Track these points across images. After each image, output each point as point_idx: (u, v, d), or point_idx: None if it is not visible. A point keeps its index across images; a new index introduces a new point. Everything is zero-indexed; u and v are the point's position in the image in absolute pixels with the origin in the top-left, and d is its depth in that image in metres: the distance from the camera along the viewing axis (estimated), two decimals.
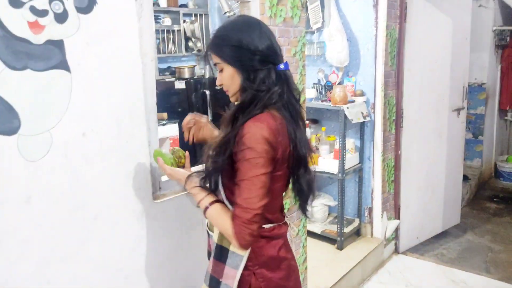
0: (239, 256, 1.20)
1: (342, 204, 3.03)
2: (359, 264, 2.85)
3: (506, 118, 5.37)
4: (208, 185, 1.22)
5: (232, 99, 1.22)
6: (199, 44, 3.89)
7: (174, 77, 3.63)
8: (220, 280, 1.23)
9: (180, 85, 3.44)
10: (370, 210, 3.16)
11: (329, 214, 3.34)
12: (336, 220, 3.21)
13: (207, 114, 3.39)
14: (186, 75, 3.52)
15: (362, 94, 3.01)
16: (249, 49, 1.14)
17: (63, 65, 1.20)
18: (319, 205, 3.21)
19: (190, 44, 3.89)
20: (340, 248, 3.03)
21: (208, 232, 1.33)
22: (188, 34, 3.87)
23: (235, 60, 1.15)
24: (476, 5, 4.60)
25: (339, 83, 3.04)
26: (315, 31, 3.16)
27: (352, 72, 3.06)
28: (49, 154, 1.20)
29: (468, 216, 4.14)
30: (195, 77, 3.59)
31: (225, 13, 3.44)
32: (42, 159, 1.19)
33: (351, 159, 3.03)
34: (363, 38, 2.97)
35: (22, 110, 1.13)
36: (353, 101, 2.93)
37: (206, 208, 1.19)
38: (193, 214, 1.65)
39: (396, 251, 3.31)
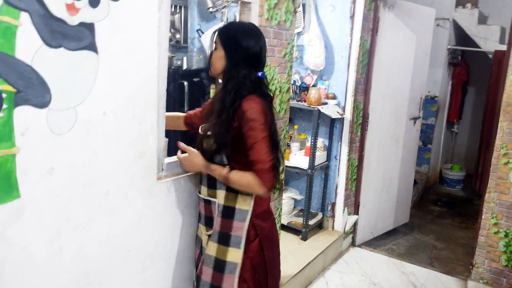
0: (244, 211, 1.54)
1: (309, 198, 3.24)
2: (321, 254, 3.08)
3: (452, 129, 5.86)
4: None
5: (211, 73, 1.59)
6: (178, 36, 3.94)
7: None
8: (230, 233, 1.53)
9: None
10: (333, 205, 3.40)
11: (294, 207, 3.55)
12: (301, 213, 3.42)
13: (184, 104, 3.46)
14: None
15: (334, 97, 3.23)
16: (242, 46, 1.48)
17: (92, 47, 1.28)
18: (286, 198, 3.40)
19: (169, 34, 3.94)
20: (304, 239, 3.24)
21: (205, 199, 1.60)
22: None
23: (228, 48, 1.49)
24: (435, 24, 5.00)
25: (313, 86, 3.25)
26: (295, 35, 3.34)
27: (326, 76, 3.28)
28: (73, 129, 1.27)
29: (415, 216, 4.51)
30: (173, 67, 3.65)
31: (208, 8, 3.53)
32: (67, 133, 1.26)
33: (320, 157, 3.25)
34: (338, 46, 3.19)
35: (54, 86, 1.20)
36: (326, 103, 3.14)
37: (228, 175, 1.49)
38: (189, 195, 1.77)
39: (353, 244, 3.58)
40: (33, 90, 1.16)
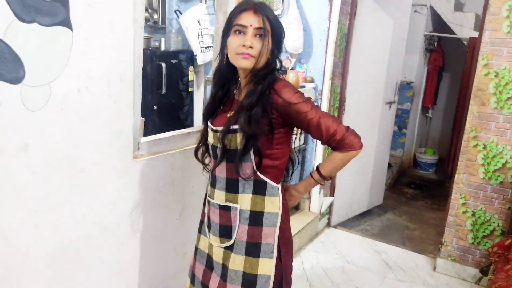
0: (274, 214, 1.36)
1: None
2: (297, 234, 3.15)
3: (427, 115, 6.00)
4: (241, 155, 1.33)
5: (246, 62, 1.30)
6: (155, 16, 3.89)
7: None
8: (260, 242, 1.36)
9: None
10: None
11: None
12: None
13: (162, 86, 3.44)
14: None
15: (312, 81, 3.27)
16: (283, 38, 1.37)
17: (67, 23, 1.27)
18: None
19: (146, 14, 3.88)
20: None
21: (222, 206, 1.40)
22: (145, 4, 3.85)
23: (278, 41, 1.34)
24: (412, 10, 5.07)
25: (291, 69, 3.27)
26: None
27: (304, 60, 3.30)
28: (47, 106, 1.27)
29: (389, 198, 4.65)
30: (150, 48, 3.61)
31: None
32: (41, 110, 1.25)
33: (296, 141, 3.29)
34: (316, 30, 3.21)
35: (27, 62, 1.19)
36: (303, 86, 3.17)
37: (325, 170, 1.42)
38: (166, 175, 1.78)
39: (329, 224, 3.67)
40: (5, 65, 1.15)
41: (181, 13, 3.67)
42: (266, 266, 1.36)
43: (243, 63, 1.31)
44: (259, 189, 1.36)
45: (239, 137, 1.31)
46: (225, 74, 1.41)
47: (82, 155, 1.41)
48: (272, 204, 1.37)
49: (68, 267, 1.44)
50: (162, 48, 3.66)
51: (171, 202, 1.83)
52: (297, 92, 1.32)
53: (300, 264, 3.03)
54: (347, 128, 1.35)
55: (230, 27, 1.33)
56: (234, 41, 1.31)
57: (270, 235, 1.36)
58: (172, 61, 3.57)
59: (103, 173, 1.50)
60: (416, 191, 5.07)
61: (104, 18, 1.38)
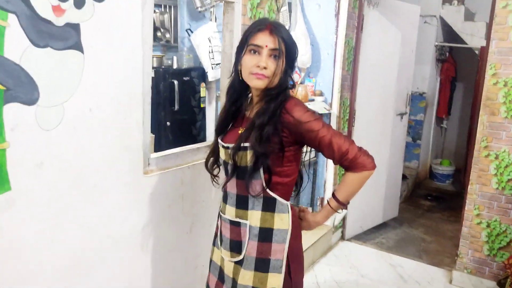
0: (284, 231, 1.38)
1: (297, 193, 3.31)
2: (310, 248, 3.15)
3: (442, 125, 5.95)
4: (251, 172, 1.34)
5: (259, 83, 1.33)
6: (167, 35, 4.00)
7: None
8: (269, 257, 1.37)
9: None
10: (322, 200, 3.47)
11: None
12: None
13: (174, 102, 3.52)
14: (154, 64, 3.63)
15: (321, 94, 3.30)
16: (296, 57, 1.39)
17: (78, 46, 1.35)
18: None
19: (159, 34, 3.99)
20: None
21: (232, 221, 1.43)
22: (157, 24, 3.97)
23: (291, 61, 1.37)
24: (422, 21, 5.09)
25: (300, 83, 3.32)
26: None
27: (313, 74, 3.35)
28: (60, 125, 1.34)
29: (405, 211, 4.60)
30: (163, 66, 3.71)
31: (197, 8, 3.59)
32: (55, 129, 1.32)
33: (307, 153, 3.31)
34: (324, 44, 3.26)
35: (42, 84, 1.26)
36: (313, 100, 3.21)
37: (341, 195, 1.41)
38: (175, 189, 1.83)
39: (342, 238, 3.66)
40: (22, 88, 1.22)
41: (192, 32, 3.77)
42: (275, 280, 1.38)
43: (257, 84, 1.34)
44: (269, 206, 1.39)
45: (249, 154, 1.33)
46: (238, 90, 1.45)
47: (94, 171, 1.47)
48: (282, 221, 1.38)
49: (80, 280, 1.49)
50: (175, 66, 3.76)
51: (180, 216, 1.87)
52: (308, 111, 1.34)
53: (313, 278, 3.02)
54: (360, 148, 1.36)
55: (245, 45, 1.35)
56: (248, 60, 1.33)
57: (279, 251, 1.38)
58: (184, 78, 3.66)
59: (114, 188, 1.55)
60: (433, 203, 5.00)
61: (114, 41, 1.45)
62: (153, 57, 3.63)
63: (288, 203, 1.41)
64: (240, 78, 1.39)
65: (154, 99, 3.56)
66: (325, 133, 1.32)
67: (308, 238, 3.24)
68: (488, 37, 2.72)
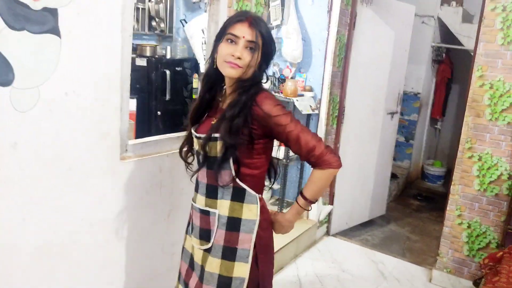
0: (251, 221, 1.41)
1: (284, 186, 3.34)
2: (293, 242, 3.18)
3: (436, 126, 5.96)
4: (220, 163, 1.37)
5: (232, 71, 1.36)
6: (162, 25, 4.01)
7: (135, 53, 3.74)
8: (236, 247, 1.40)
9: (141, 62, 3.56)
10: None
11: (271, 196, 3.65)
12: (277, 201, 3.52)
13: (166, 92, 3.55)
14: (148, 53, 3.65)
15: (311, 89, 3.32)
16: (273, 53, 1.43)
17: (55, 31, 1.37)
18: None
19: (154, 23, 4.01)
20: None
21: (202, 210, 1.46)
22: (153, 13, 3.98)
23: (267, 56, 1.40)
24: (420, 21, 5.10)
25: (291, 78, 3.34)
26: (274, 28, 3.43)
27: (304, 69, 3.37)
28: (36, 107, 1.36)
29: (394, 209, 4.63)
30: (156, 56, 3.73)
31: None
32: (30, 111, 1.35)
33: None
34: (316, 40, 3.28)
35: (17, 66, 1.29)
36: (302, 95, 3.23)
37: (309, 194, 1.42)
38: (154, 176, 1.86)
39: (328, 233, 3.69)
40: None
41: (186, 22, 3.78)
42: (241, 270, 1.41)
43: (229, 72, 1.36)
44: (238, 196, 1.42)
45: (219, 145, 1.36)
46: (213, 78, 1.47)
47: (69, 154, 1.49)
48: (250, 212, 1.41)
49: (54, 262, 1.52)
50: (168, 56, 3.78)
51: (158, 202, 1.90)
52: (278, 105, 1.36)
53: (295, 271, 3.05)
54: (327, 146, 1.39)
55: (223, 34, 1.38)
56: (224, 49, 1.36)
57: (246, 241, 1.41)
58: (176, 68, 3.68)
59: (90, 172, 1.58)
60: (422, 203, 5.03)
61: (93, 27, 1.48)
62: (146, 47, 3.67)
63: (258, 195, 1.44)
64: (215, 66, 1.41)
65: (145, 88, 3.62)
66: (293, 128, 1.35)
67: (291, 232, 3.26)
68: (476, 39, 2.73)
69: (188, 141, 1.56)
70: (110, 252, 1.74)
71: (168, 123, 3.65)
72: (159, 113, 3.58)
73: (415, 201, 5.09)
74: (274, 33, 3.49)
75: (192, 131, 1.49)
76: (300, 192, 1.46)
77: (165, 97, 3.58)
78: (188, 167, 1.60)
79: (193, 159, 1.59)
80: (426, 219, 4.52)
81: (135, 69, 3.64)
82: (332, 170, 1.37)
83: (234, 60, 1.34)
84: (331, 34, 3.17)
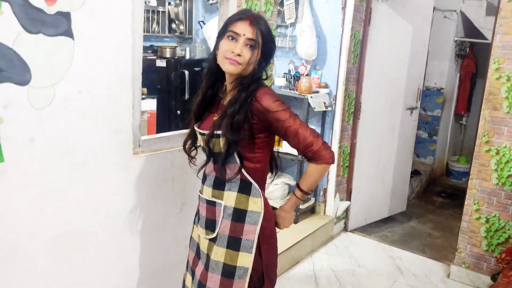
0: (257, 213, 1.47)
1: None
2: (309, 237, 3.21)
3: (461, 122, 5.84)
4: (224, 158, 1.43)
5: (231, 68, 1.41)
6: (181, 27, 4.13)
7: (156, 55, 3.86)
8: (241, 237, 1.46)
9: (161, 63, 3.68)
10: (325, 191, 3.53)
11: (288, 192, 3.69)
12: None
13: (185, 92, 3.65)
14: (168, 54, 3.76)
15: (326, 86, 3.35)
16: (273, 52, 1.48)
17: (69, 33, 1.47)
18: (280, 183, 3.55)
19: (173, 26, 4.12)
20: (295, 222, 3.38)
21: (209, 201, 1.52)
22: (172, 16, 4.10)
23: (267, 54, 1.45)
24: (441, 16, 5.01)
25: (306, 75, 3.37)
26: (289, 26, 3.47)
27: (319, 66, 3.39)
28: (51, 105, 1.46)
29: (416, 206, 4.58)
30: (176, 57, 3.83)
31: (208, 0, 3.70)
32: (46, 108, 1.45)
33: None
34: (330, 36, 3.30)
35: (33, 67, 1.39)
36: (317, 92, 3.26)
37: (304, 186, 1.50)
38: (166, 170, 1.94)
39: (345, 229, 3.70)
40: (14, 69, 1.35)
41: (204, 24, 3.88)
42: (245, 260, 1.46)
43: (228, 68, 1.41)
44: (245, 188, 1.48)
45: (222, 141, 1.41)
46: (215, 74, 1.52)
47: (84, 149, 1.59)
48: (255, 204, 1.47)
49: (70, 249, 1.63)
50: (187, 57, 3.89)
51: (171, 196, 1.99)
52: (278, 100, 1.41)
53: (310, 265, 3.09)
54: (324, 142, 1.44)
55: (225, 31, 1.43)
56: (225, 45, 1.41)
57: (251, 232, 1.46)
58: (195, 68, 3.77)
59: (104, 166, 1.68)
60: (446, 200, 4.94)
61: (104, 29, 1.57)
62: (166, 48, 3.79)
63: (259, 190, 1.49)
64: (217, 63, 1.47)
65: (165, 88, 3.73)
66: (292, 123, 1.40)
67: (308, 227, 3.31)
68: (493, 32, 2.69)
69: (191, 136, 1.63)
70: (124, 242, 1.83)
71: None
72: (178, 112, 3.69)
73: (439, 198, 5.00)
74: (289, 31, 3.54)
75: (196, 128, 1.56)
76: (297, 184, 1.52)
77: (184, 96, 3.68)
78: (191, 161, 1.67)
79: (196, 153, 1.65)
80: (449, 216, 4.44)
81: (155, 70, 3.78)
82: (326, 165, 1.45)
83: (234, 57, 1.39)
84: (346, 30, 3.19)
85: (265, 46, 1.43)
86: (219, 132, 1.42)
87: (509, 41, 2.59)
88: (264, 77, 1.49)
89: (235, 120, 1.38)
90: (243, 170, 1.46)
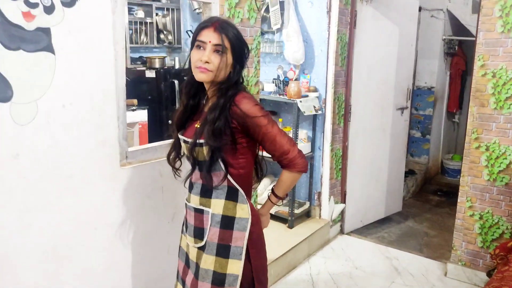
0: (244, 220, 1.48)
1: (294, 188, 3.38)
2: (306, 240, 3.21)
3: (454, 120, 5.86)
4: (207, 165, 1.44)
5: (203, 76, 1.41)
6: (170, 37, 4.15)
7: (145, 66, 3.88)
8: (230, 244, 1.47)
9: (150, 74, 3.70)
10: (319, 194, 3.53)
11: None
12: (288, 202, 3.56)
13: (175, 102, 3.66)
14: (157, 65, 3.78)
15: (315, 90, 3.36)
16: (246, 54, 1.48)
17: (49, 48, 1.48)
18: None
19: (162, 36, 4.15)
20: (291, 227, 3.38)
21: (196, 209, 1.52)
22: (160, 27, 4.13)
23: (238, 57, 1.44)
24: (429, 15, 5.05)
25: (295, 79, 3.38)
26: (275, 31, 3.50)
27: (307, 70, 3.41)
28: (34, 120, 1.47)
29: (412, 206, 4.58)
30: (165, 67, 3.86)
31: (195, 9, 3.72)
32: (29, 124, 1.45)
33: (304, 148, 3.38)
34: (317, 40, 3.32)
35: (15, 83, 1.40)
36: (307, 96, 3.28)
37: (279, 191, 1.55)
38: (154, 181, 1.94)
39: (341, 231, 3.70)
40: None
41: (192, 32, 3.89)
42: (235, 267, 1.47)
43: (200, 77, 1.42)
44: (232, 195, 1.48)
45: (205, 150, 1.42)
46: (196, 85, 1.53)
47: (70, 162, 1.59)
48: (243, 211, 1.48)
49: (60, 264, 1.62)
50: (177, 67, 3.90)
51: (161, 206, 1.99)
52: (257, 105, 1.42)
53: (307, 270, 3.08)
54: (299, 151, 1.47)
55: (194, 42, 1.46)
56: (194, 55, 1.42)
57: (240, 239, 1.47)
58: (185, 78, 3.76)
59: (91, 178, 1.68)
60: (442, 199, 4.94)
61: (85, 42, 1.58)
62: (155, 59, 3.80)
63: (245, 196, 1.50)
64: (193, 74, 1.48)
65: (156, 99, 3.74)
66: (270, 130, 1.42)
67: (303, 231, 3.31)
68: (476, 29, 2.72)
69: (175, 147, 1.63)
70: (115, 254, 1.82)
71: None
72: (170, 122, 3.69)
73: (435, 196, 5.00)
74: (276, 37, 3.56)
75: (180, 136, 1.56)
76: (272, 190, 1.57)
77: (175, 106, 3.69)
78: (176, 172, 1.66)
79: (181, 164, 1.65)
80: (446, 214, 4.44)
81: (145, 81, 3.80)
82: (299, 173, 1.49)
83: (203, 65, 1.39)
84: (332, 34, 3.21)
85: (235, 50, 1.43)
86: (201, 141, 1.43)
87: (492, 38, 2.62)
88: (241, 80, 1.50)
89: (216, 127, 1.39)
90: (229, 177, 1.46)
